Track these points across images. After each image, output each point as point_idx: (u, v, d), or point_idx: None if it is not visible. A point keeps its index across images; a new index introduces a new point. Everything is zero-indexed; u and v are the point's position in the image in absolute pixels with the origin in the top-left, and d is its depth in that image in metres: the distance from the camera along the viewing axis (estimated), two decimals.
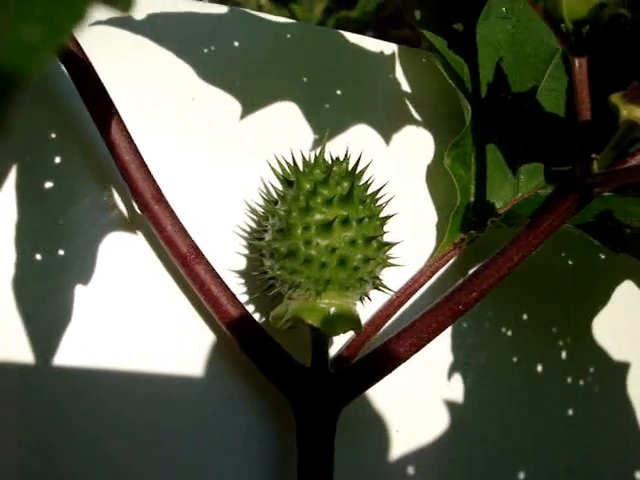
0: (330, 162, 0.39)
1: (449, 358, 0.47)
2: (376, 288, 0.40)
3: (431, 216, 0.49)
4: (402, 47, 0.50)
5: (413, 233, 0.47)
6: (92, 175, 0.41)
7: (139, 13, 0.43)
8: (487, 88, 0.46)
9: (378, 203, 0.40)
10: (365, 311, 0.42)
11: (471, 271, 0.39)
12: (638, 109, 0.34)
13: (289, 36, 0.47)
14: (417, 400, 0.46)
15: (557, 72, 0.47)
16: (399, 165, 0.48)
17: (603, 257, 0.52)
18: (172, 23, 0.44)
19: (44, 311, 0.39)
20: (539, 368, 0.49)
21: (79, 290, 0.40)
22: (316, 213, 0.36)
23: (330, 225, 0.36)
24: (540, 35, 0.47)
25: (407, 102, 0.49)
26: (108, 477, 0.39)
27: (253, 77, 0.45)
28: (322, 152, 0.39)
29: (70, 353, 0.39)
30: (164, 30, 0.43)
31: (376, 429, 0.45)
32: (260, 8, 1.08)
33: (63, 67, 0.38)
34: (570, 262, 0.52)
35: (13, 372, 0.38)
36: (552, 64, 0.47)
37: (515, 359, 0.49)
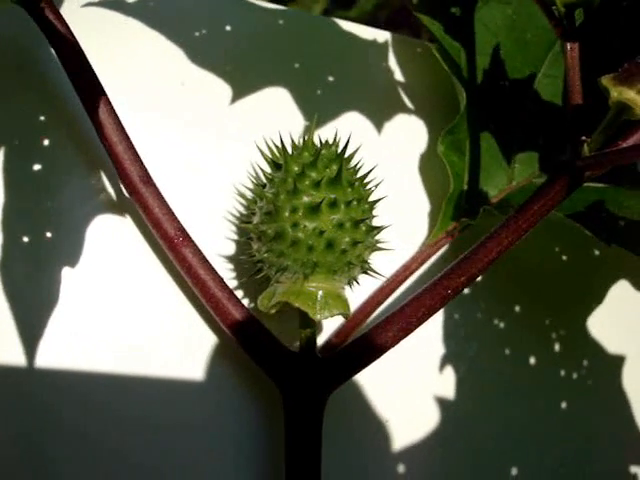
0: (319, 145, 0.38)
1: (441, 349, 0.47)
2: (365, 272, 0.39)
3: (424, 203, 0.48)
4: (396, 35, 0.50)
5: (405, 220, 0.47)
6: (80, 158, 0.41)
7: None
8: (484, 74, 0.46)
9: (367, 187, 0.39)
10: (355, 298, 0.42)
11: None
12: (629, 90, 0.34)
13: (281, 22, 0.47)
14: (408, 391, 0.46)
15: (557, 59, 0.47)
16: (391, 151, 0.48)
17: (597, 253, 0.52)
18: (163, 6, 0.44)
19: (31, 294, 0.38)
20: (532, 361, 0.49)
21: (66, 274, 0.39)
22: (304, 195, 0.36)
23: (318, 207, 0.36)
24: (541, 21, 0.46)
25: (400, 89, 0.49)
26: (102, 476, 0.39)
27: (244, 62, 0.45)
28: (311, 135, 0.39)
29: (55, 341, 0.39)
30: (155, 13, 0.43)
31: (366, 418, 0.44)
32: None
33: (52, 49, 0.37)
34: (564, 257, 0.51)
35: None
36: (552, 51, 0.47)
37: (507, 351, 0.48)
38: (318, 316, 0.36)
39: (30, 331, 0.38)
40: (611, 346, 0.51)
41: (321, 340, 0.43)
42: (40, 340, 0.38)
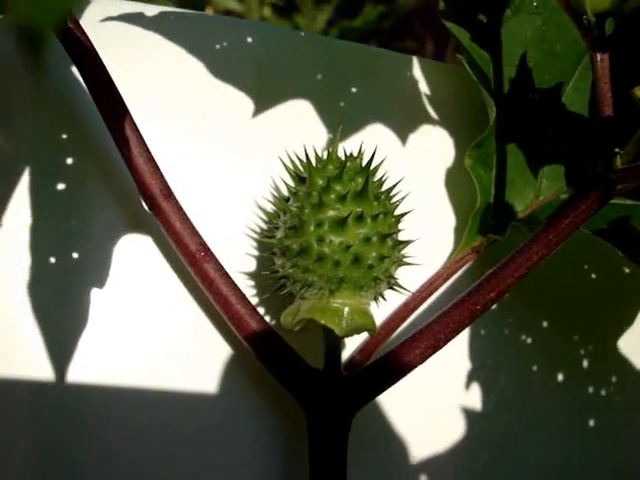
0: (344, 158, 0.38)
1: (467, 365, 0.46)
2: (391, 288, 0.38)
3: (449, 217, 0.47)
4: (421, 58, 0.49)
5: (431, 234, 0.46)
6: (103, 176, 0.40)
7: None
8: (512, 86, 0.45)
9: (393, 200, 0.38)
10: (379, 313, 0.41)
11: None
12: None
13: (301, 44, 0.46)
14: (434, 408, 0.45)
15: (586, 72, 0.45)
16: (417, 164, 0.47)
17: (628, 271, 0.51)
18: (183, 20, 0.43)
19: (59, 315, 0.38)
20: (559, 377, 0.48)
21: (95, 296, 0.39)
22: (329, 209, 0.35)
23: (344, 222, 0.35)
24: (571, 33, 0.44)
25: (425, 101, 0.48)
26: None
27: (266, 75, 0.44)
28: (335, 148, 0.38)
29: (83, 360, 0.38)
30: (175, 27, 0.43)
31: (390, 437, 0.43)
32: (263, 19, 1.08)
33: (74, 66, 0.37)
34: (593, 275, 0.50)
35: (28, 378, 0.37)
36: (581, 64, 0.46)
37: (535, 367, 0.47)
38: (344, 334, 0.35)
39: (59, 353, 0.38)
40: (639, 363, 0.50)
41: (344, 356, 0.42)
42: (70, 362, 0.38)
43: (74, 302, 0.38)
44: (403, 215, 0.38)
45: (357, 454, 0.40)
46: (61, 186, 0.39)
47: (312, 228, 0.35)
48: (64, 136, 0.40)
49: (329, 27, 1.10)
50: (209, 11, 1.13)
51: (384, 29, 1.13)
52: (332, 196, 0.36)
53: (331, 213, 0.35)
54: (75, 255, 0.39)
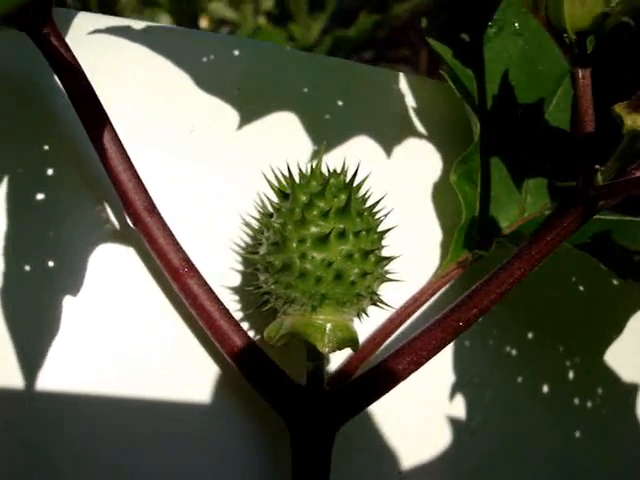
0: (327, 174, 0.38)
1: (451, 377, 0.46)
2: (374, 304, 0.39)
3: (435, 233, 0.47)
4: (410, 75, 0.49)
5: (416, 250, 0.46)
6: (84, 188, 0.40)
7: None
8: (495, 103, 0.45)
9: (377, 216, 0.39)
10: (364, 329, 0.41)
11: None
12: None
13: (288, 59, 0.46)
14: (418, 420, 0.45)
15: (569, 90, 0.46)
16: (402, 179, 0.47)
17: (616, 282, 0.51)
18: (171, 35, 0.43)
19: (31, 323, 0.38)
20: (545, 388, 0.48)
21: (68, 304, 0.39)
22: (312, 226, 0.36)
23: (326, 238, 0.35)
24: (553, 52, 0.45)
25: (410, 116, 0.48)
26: None
27: (251, 87, 0.44)
28: (319, 164, 0.38)
29: (58, 369, 0.38)
30: (161, 40, 0.43)
31: (375, 450, 0.43)
32: (258, 28, 1.08)
33: (55, 76, 0.37)
34: (581, 287, 0.50)
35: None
36: (564, 82, 0.46)
37: (520, 379, 0.47)
38: (326, 349, 0.35)
39: (30, 360, 0.38)
40: (627, 374, 0.50)
41: (330, 369, 0.42)
42: (40, 370, 0.38)
43: (48, 311, 0.38)
44: (386, 231, 0.38)
45: (341, 468, 0.40)
46: (40, 196, 0.39)
47: (294, 245, 0.35)
48: (46, 147, 0.40)
49: (323, 36, 1.10)
50: (204, 20, 1.13)
51: (378, 38, 1.14)
52: (315, 212, 0.36)
53: (313, 230, 0.35)
54: (50, 264, 0.39)
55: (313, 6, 1.11)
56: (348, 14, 1.16)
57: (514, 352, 0.47)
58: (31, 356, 0.38)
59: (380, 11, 1.11)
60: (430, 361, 0.37)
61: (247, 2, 1.09)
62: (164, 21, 1.03)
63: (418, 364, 0.37)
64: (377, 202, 0.39)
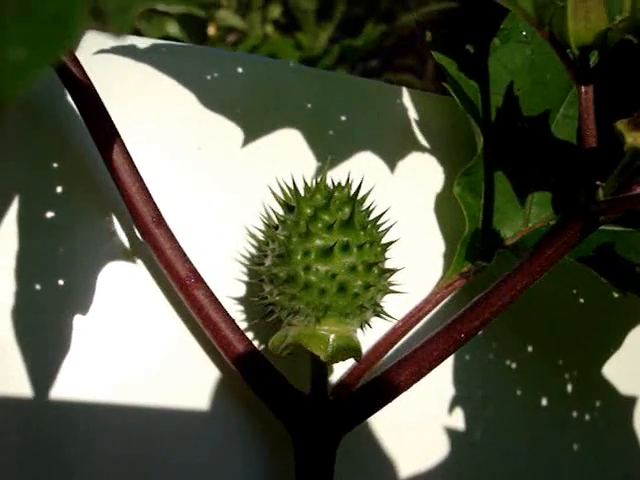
0: (331, 187, 0.38)
1: (452, 390, 0.46)
2: (377, 315, 0.39)
3: (438, 244, 0.48)
4: (412, 90, 0.49)
5: (419, 261, 0.46)
6: (93, 205, 0.41)
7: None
8: (500, 114, 0.46)
9: (380, 229, 0.39)
10: (368, 339, 0.42)
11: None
12: None
13: (291, 74, 0.47)
14: (418, 431, 0.45)
15: (575, 100, 0.46)
16: (406, 191, 0.47)
17: (616, 296, 0.51)
18: (176, 53, 0.44)
19: (42, 341, 0.38)
20: (544, 401, 0.48)
21: (81, 320, 0.39)
22: (316, 238, 0.36)
23: (330, 251, 0.36)
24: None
25: (413, 129, 0.49)
26: None
27: (256, 104, 0.45)
28: (323, 177, 0.39)
29: (69, 385, 0.39)
30: (168, 59, 0.43)
31: (377, 460, 0.44)
32: (265, 36, 1.09)
33: (61, 92, 0.38)
34: (582, 300, 0.50)
35: (9, 404, 0.37)
36: (571, 92, 0.46)
37: (519, 392, 0.48)
38: (330, 360, 0.36)
39: (41, 380, 0.38)
40: (625, 387, 0.50)
41: (332, 380, 0.43)
42: (51, 388, 0.38)
43: (58, 330, 0.39)
44: (390, 244, 0.39)
45: (343, 478, 0.40)
46: (50, 214, 0.40)
47: (299, 257, 0.36)
48: (55, 165, 0.40)
49: (331, 45, 1.11)
50: (212, 28, 1.14)
51: (385, 46, 1.14)
52: (319, 225, 0.36)
53: (318, 242, 0.36)
54: (61, 282, 0.39)
55: (321, 15, 1.11)
56: (355, 22, 1.17)
57: (514, 365, 0.48)
58: (41, 376, 0.38)
59: (387, 20, 1.12)
60: (431, 374, 0.38)
61: (255, 10, 1.09)
62: (172, 29, 1.04)
63: (420, 375, 0.38)
64: (381, 215, 0.39)
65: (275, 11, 1.12)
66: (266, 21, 1.12)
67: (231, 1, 1.09)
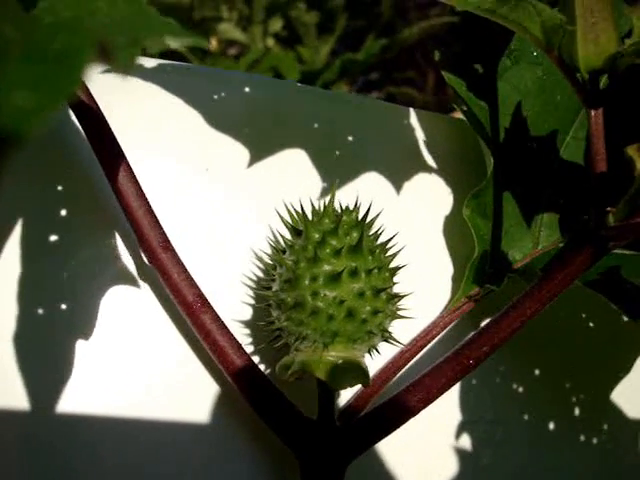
0: (339, 211, 0.38)
1: (460, 414, 0.46)
2: (385, 340, 0.39)
3: (447, 267, 0.48)
4: (419, 110, 0.49)
5: (427, 284, 0.46)
6: (98, 228, 0.41)
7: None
8: (509, 135, 0.45)
9: (388, 253, 0.39)
10: (375, 362, 0.41)
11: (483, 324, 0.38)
12: None
13: (300, 96, 0.47)
14: (426, 456, 0.45)
15: (586, 122, 0.46)
16: (413, 215, 0.47)
17: (625, 320, 0.51)
18: (182, 73, 0.44)
19: (45, 365, 0.38)
20: (551, 425, 0.48)
21: (84, 343, 0.39)
22: (324, 264, 0.36)
23: (338, 276, 0.35)
24: None
25: (421, 150, 0.48)
26: None
27: (263, 123, 0.45)
28: (331, 201, 0.39)
29: (74, 405, 0.38)
30: (174, 80, 0.43)
31: None
32: (267, 49, 1.09)
33: (73, 117, 0.37)
34: (590, 324, 0.50)
35: (13, 426, 0.37)
36: (581, 113, 0.46)
37: (527, 416, 0.47)
38: (337, 386, 0.36)
39: (44, 403, 0.38)
40: (632, 411, 0.50)
41: (339, 404, 0.42)
42: (55, 404, 0.38)
43: (60, 354, 0.39)
44: (398, 269, 0.39)
45: None
46: (54, 237, 0.39)
47: (307, 282, 0.36)
48: (59, 188, 0.40)
49: (332, 58, 1.11)
50: (213, 41, 1.14)
51: (386, 60, 1.14)
52: (327, 250, 0.36)
53: (326, 268, 0.36)
54: (64, 306, 0.39)
55: (322, 28, 1.11)
56: (356, 35, 1.17)
57: (521, 389, 0.47)
58: (44, 399, 0.38)
59: (388, 34, 1.12)
60: (439, 398, 0.38)
61: (256, 24, 1.09)
62: (173, 42, 1.03)
63: (428, 401, 0.37)
64: (389, 239, 0.39)
65: (276, 24, 1.12)
66: (267, 34, 1.12)
67: (232, 14, 1.09)
